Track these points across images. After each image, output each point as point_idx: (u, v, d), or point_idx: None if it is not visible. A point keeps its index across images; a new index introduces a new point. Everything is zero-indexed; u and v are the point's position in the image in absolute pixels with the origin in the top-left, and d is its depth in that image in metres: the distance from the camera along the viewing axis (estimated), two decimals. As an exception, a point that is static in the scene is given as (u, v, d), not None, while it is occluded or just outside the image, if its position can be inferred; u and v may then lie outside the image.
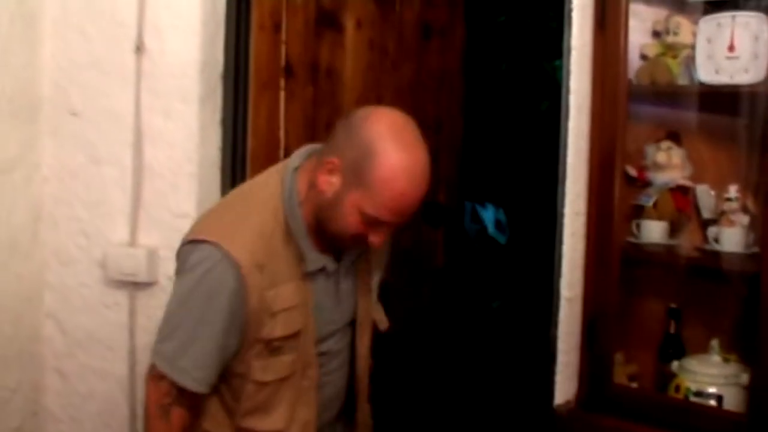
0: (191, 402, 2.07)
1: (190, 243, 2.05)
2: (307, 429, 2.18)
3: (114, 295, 2.99)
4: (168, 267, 2.87)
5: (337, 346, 2.25)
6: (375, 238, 2.02)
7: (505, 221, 5.77)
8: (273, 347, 2.08)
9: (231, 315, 2.00)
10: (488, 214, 5.65)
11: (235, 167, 2.99)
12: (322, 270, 2.13)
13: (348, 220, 1.99)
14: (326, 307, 2.18)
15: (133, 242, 2.93)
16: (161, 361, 2.05)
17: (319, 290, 2.15)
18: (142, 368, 2.89)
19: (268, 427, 2.15)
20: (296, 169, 2.10)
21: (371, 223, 1.98)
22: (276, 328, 2.06)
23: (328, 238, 2.07)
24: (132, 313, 2.97)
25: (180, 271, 2.08)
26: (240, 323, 2.02)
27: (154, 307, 2.92)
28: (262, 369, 2.09)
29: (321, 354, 2.19)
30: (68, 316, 3.04)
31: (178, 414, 2.04)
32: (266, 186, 2.12)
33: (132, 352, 2.99)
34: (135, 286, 2.95)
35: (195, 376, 2.02)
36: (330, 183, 1.98)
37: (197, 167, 2.88)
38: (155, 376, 2.06)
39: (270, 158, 3.03)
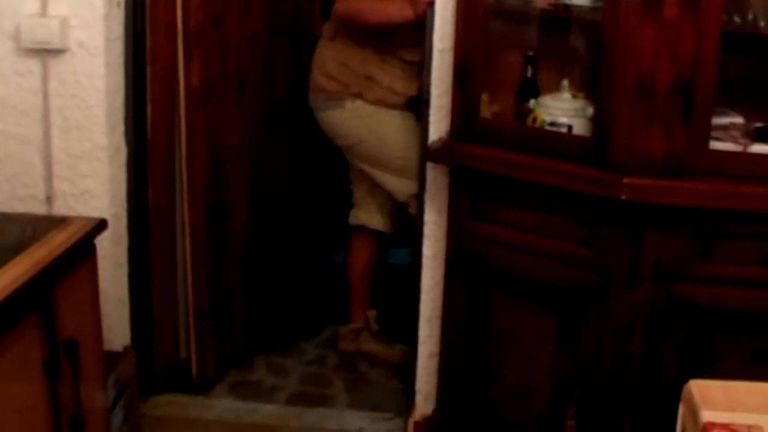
0: None
1: None
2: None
3: (27, 64, 3.17)
4: (78, 34, 3.13)
5: None
6: None
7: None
8: None
9: None
10: None
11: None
12: None
13: None
14: None
15: (44, 13, 3.11)
16: None
17: None
18: (57, 130, 3.19)
19: (413, 58, 3.64)
20: None
21: None
22: None
23: None
24: (45, 78, 3.17)
25: None
26: None
27: (66, 72, 3.17)
28: None
29: None
30: (-19, 87, 3.20)
31: None
32: None
33: (46, 115, 3.20)
34: (47, 53, 3.14)
35: None
36: None
37: (101, -57, 3.09)
38: None
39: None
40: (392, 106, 3.77)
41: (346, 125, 3.81)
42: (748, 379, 1.88)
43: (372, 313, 4.17)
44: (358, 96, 3.76)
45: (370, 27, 3.65)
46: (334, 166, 4.05)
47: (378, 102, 3.75)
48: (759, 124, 2.73)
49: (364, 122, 3.79)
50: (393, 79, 3.72)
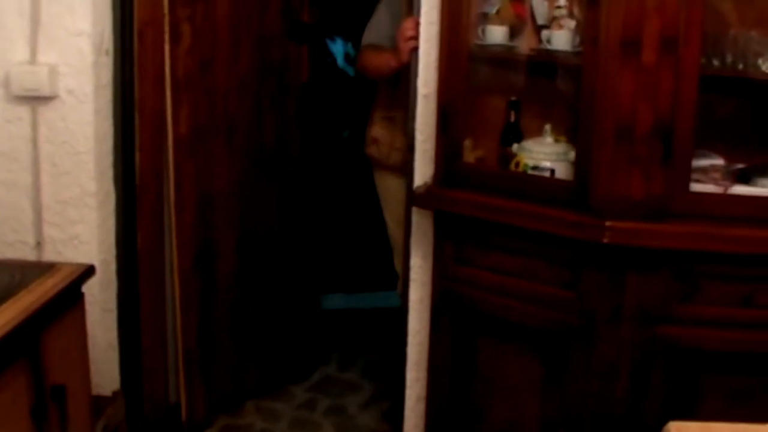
0: None
1: None
2: None
3: (16, 111, 3.21)
4: (67, 81, 3.17)
5: None
6: None
7: (353, 54, 6.01)
8: None
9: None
10: (338, 48, 5.88)
11: (125, -12, 3.25)
12: None
13: None
14: None
15: (33, 60, 3.16)
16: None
17: None
18: (46, 176, 3.21)
19: None
20: None
21: None
22: None
23: None
24: (35, 125, 3.21)
25: None
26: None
27: (56, 119, 3.21)
28: None
29: None
30: (-28, 134, 3.23)
31: None
32: None
33: (36, 162, 3.24)
34: (37, 100, 3.18)
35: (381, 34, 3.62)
36: None
37: (91, -12, 3.13)
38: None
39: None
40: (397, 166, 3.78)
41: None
42: (733, 419, 1.89)
43: None
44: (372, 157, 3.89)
45: (373, 79, 3.77)
46: (322, 210, 4.06)
47: (383, 161, 3.82)
48: (740, 166, 2.77)
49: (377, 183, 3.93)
50: (394, 135, 3.73)
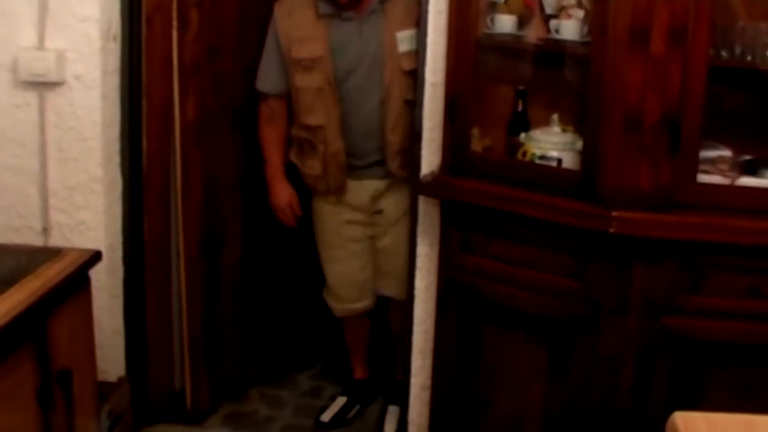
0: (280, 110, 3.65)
1: None
2: (337, 125, 3.48)
3: (24, 96, 3.21)
4: (75, 67, 3.17)
5: (366, 81, 3.46)
6: None
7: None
8: (305, 66, 3.41)
9: (275, 42, 3.47)
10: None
11: (131, -24, 3.25)
12: (337, 16, 3.41)
13: None
14: (348, 43, 3.43)
15: (41, 46, 3.16)
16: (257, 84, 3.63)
17: (340, 31, 3.42)
18: (53, 162, 3.21)
19: (315, 122, 3.48)
20: None
21: None
22: (301, 51, 3.40)
23: None
24: (42, 111, 3.21)
25: None
26: (279, 47, 3.46)
27: (63, 104, 3.21)
28: (301, 79, 3.44)
29: (353, 87, 3.46)
30: (-21, 119, 3.23)
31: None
32: None
33: (43, 147, 3.24)
34: (44, 86, 3.18)
35: (265, 82, 3.59)
36: None
37: (98, -24, 3.13)
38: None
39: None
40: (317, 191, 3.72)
41: None
42: (738, 411, 1.89)
43: None
44: None
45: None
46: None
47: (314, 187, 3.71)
48: (747, 157, 2.76)
49: None
50: (304, 160, 3.64)
